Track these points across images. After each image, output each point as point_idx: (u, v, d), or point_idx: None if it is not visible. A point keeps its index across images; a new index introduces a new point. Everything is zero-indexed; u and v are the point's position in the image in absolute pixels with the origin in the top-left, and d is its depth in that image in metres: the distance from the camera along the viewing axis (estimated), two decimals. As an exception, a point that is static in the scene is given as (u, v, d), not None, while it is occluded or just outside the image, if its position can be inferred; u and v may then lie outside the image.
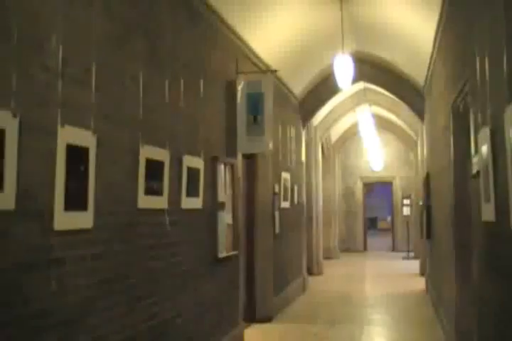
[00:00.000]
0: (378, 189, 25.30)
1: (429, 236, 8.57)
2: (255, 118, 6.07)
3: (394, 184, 18.41)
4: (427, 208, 8.51)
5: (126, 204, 3.62)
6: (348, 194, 18.55)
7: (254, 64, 7.05)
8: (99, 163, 3.19)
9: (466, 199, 5.17)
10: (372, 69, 9.34)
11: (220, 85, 5.76)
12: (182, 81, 4.60)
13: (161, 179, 4.11)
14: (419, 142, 12.05)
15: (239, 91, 6.13)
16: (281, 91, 8.73)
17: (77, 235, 3.01)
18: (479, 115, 3.57)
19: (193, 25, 5.03)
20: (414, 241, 15.34)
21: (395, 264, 14.58)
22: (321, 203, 13.03)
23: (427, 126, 9.03)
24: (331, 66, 7.96)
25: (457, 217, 5.32)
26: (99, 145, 3.18)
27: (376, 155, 17.58)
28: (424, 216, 8.84)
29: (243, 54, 6.60)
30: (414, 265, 12.94)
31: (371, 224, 28.35)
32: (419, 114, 9.55)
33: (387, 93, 10.31)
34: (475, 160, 3.80)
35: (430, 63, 7.42)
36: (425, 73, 8.16)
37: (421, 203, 10.03)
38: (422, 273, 11.45)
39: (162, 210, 4.16)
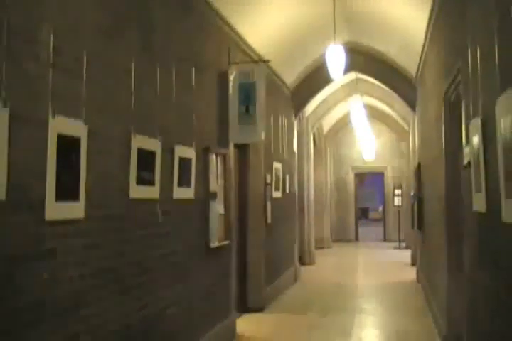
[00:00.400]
0: (370, 179, 25.37)
1: (420, 226, 8.62)
2: (247, 108, 6.06)
3: (385, 174, 18.46)
4: (419, 198, 8.55)
5: (118, 195, 3.61)
6: (339, 184, 18.60)
7: (247, 54, 7.03)
8: (90, 153, 3.18)
9: (457, 190, 5.21)
10: (365, 60, 9.34)
11: (212, 75, 5.75)
12: (174, 71, 4.58)
13: (152, 169, 4.10)
14: (410, 132, 12.08)
15: (231, 81, 6.11)
16: (274, 81, 8.71)
17: (68, 225, 3.01)
18: (471, 105, 3.59)
19: (186, 16, 5.00)
20: (405, 231, 15.43)
21: (387, 254, 14.66)
22: (312, 193, 13.04)
23: (419, 117, 9.06)
24: (323, 56, 7.94)
25: (448, 208, 5.35)
26: (90, 135, 3.17)
27: (368, 145, 17.60)
28: (415, 206, 8.89)
29: (235, 44, 6.59)
30: (406, 255, 13.03)
31: (363, 214, 28.45)
32: (411, 104, 9.58)
33: (379, 83, 10.31)
34: (466, 150, 3.81)
35: (422, 53, 7.43)
36: (417, 63, 8.17)
37: (412, 193, 10.07)
38: (413, 263, 11.53)
39: (154, 200, 4.16)
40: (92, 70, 3.25)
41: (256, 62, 6.78)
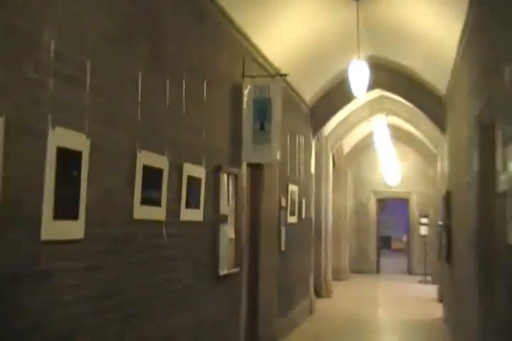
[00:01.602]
0: (393, 205, 25.21)
1: (448, 259, 8.49)
2: (262, 126, 6.08)
3: (410, 201, 18.33)
4: (447, 228, 8.45)
5: (121, 214, 3.60)
6: (360, 210, 18.49)
7: (262, 67, 7.06)
8: (92, 169, 3.18)
9: (490, 220, 5.10)
10: (390, 76, 9.34)
11: (225, 89, 5.77)
12: (184, 83, 4.60)
13: (159, 188, 4.10)
14: (439, 156, 12.02)
15: (245, 96, 6.14)
16: (291, 97, 8.74)
17: (66, 246, 2.99)
18: (507, 129, 3.54)
19: (199, 25, 5.05)
20: (431, 264, 15.22)
21: (411, 288, 14.48)
22: (330, 219, 12.98)
23: (449, 139, 8.99)
24: (345, 71, 7.96)
25: (480, 239, 5.23)
26: (93, 149, 3.17)
27: (392, 168, 17.55)
28: (443, 237, 8.78)
29: (251, 56, 6.62)
30: (432, 290, 12.84)
31: (385, 243, 28.18)
32: (440, 125, 9.52)
33: (405, 102, 10.30)
34: (502, 177, 3.75)
35: (453, 71, 7.40)
36: (447, 81, 8.14)
37: (440, 223, 9.96)
38: (440, 300, 11.32)
39: (159, 222, 4.15)
40: (96, 79, 3.27)
41: (272, 76, 6.80)
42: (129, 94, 3.72)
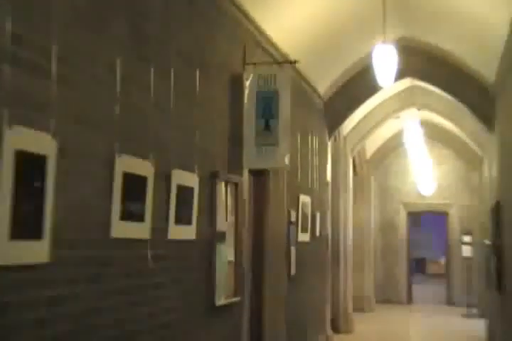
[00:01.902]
0: (428, 221, 25.16)
1: (499, 287, 8.40)
2: (267, 124, 6.11)
3: (449, 214, 18.29)
4: (497, 249, 8.37)
5: (96, 232, 3.60)
6: (387, 226, 18.46)
7: (268, 53, 7.07)
8: (60, 177, 3.16)
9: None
10: (423, 62, 9.34)
11: (223, 80, 5.77)
12: (172, 73, 4.61)
13: (142, 200, 4.10)
14: (485, 159, 11.99)
15: (246, 88, 6.16)
16: (302, 89, 8.74)
17: (26, 272, 2.97)
18: None
19: (190, 2, 5.05)
20: (478, 293, 15.14)
21: (452, 323, 14.40)
22: (350, 237, 12.96)
23: (499, 138, 8.90)
24: (368, 57, 7.95)
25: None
26: (61, 153, 3.16)
27: (426, 175, 17.50)
28: (492, 259, 8.72)
29: (253, 40, 6.63)
30: (479, 326, 12.65)
31: (418, 267, 28.14)
32: (487, 121, 9.46)
33: (442, 93, 10.27)
34: None
35: (504, 55, 7.35)
36: (496, 68, 8.11)
37: (488, 242, 9.92)
38: (491, 339, 11.20)
39: (143, 241, 4.14)
40: (64, 67, 3.26)
41: (280, 63, 6.81)
42: (104, 85, 3.71)
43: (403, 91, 12.42)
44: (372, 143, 16.27)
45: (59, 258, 3.18)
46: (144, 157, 4.15)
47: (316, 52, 8.20)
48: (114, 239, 3.74)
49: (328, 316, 10.37)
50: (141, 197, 4.09)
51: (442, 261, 24.08)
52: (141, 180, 4.10)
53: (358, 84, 9.74)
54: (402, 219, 18.61)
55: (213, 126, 5.54)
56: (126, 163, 3.88)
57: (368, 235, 15.91)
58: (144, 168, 4.13)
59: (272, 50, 7.17)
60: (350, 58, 9.24)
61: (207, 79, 5.31)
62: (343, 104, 10.14)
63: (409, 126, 13.93)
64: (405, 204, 18.55)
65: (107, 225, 3.69)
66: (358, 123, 13.10)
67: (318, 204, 9.64)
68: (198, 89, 5.12)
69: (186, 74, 4.92)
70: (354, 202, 14.11)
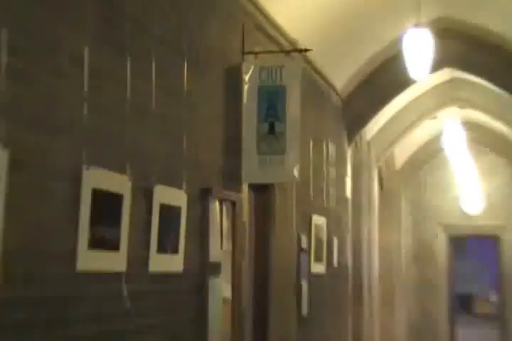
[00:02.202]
0: (474, 247, 25.10)
1: None
2: (272, 127, 6.12)
3: (502, 239, 18.18)
4: None
5: (58, 264, 3.56)
6: (422, 253, 18.35)
7: (272, 39, 7.08)
8: (13, 195, 3.14)
9: None
10: (467, 49, 9.33)
11: (216, 73, 5.79)
12: (155, 65, 4.60)
13: (117, 223, 4.09)
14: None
15: (246, 82, 6.17)
16: (315, 84, 8.76)
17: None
18: None
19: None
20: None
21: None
22: (376, 267, 12.94)
23: None
24: (396, 43, 7.94)
25: None
26: (14, 165, 3.13)
27: (472, 190, 17.42)
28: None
29: (254, 23, 6.64)
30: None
31: (463, 305, 27.97)
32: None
33: (491, 87, 10.24)
34: None
35: None
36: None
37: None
38: None
39: (118, 275, 4.12)
40: (16, 58, 3.23)
41: (287, 52, 6.79)
42: (69, 80, 3.69)
43: (441, 85, 12.39)
44: (403, 150, 16.19)
45: (10, 298, 3.15)
46: (119, 170, 4.13)
47: (333, 38, 8.22)
48: (80, 272, 3.71)
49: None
50: (115, 220, 4.08)
51: (494, 298, 23.89)
52: (116, 199, 4.09)
53: (385, 78, 9.76)
54: (441, 245, 18.45)
55: (205, 130, 5.54)
56: (97, 178, 3.87)
57: (398, 265, 15.83)
58: (119, 183, 4.13)
59: (277, 35, 7.17)
60: (374, 45, 9.25)
61: (197, 73, 5.31)
62: (366, 101, 10.15)
63: (449, 128, 13.89)
64: (445, 227, 18.39)
65: (71, 255, 3.66)
66: (385, 125, 13.05)
67: (335, 226, 9.64)
68: (186, 84, 5.12)
69: (171, 66, 4.94)
70: (380, 224, 14.08)
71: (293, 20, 7.28)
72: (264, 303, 7.48)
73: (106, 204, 3.97)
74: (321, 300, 8.75)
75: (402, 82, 9.48)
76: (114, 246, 4.07)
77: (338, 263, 9.79)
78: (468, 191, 17.48)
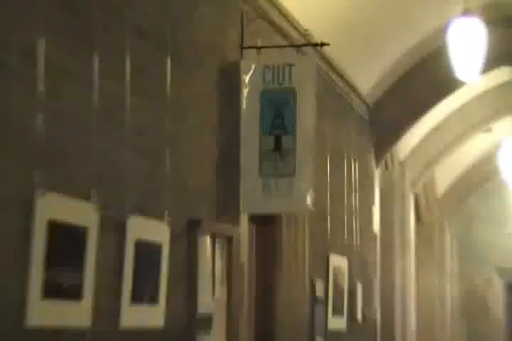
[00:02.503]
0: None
1: None
2: (279, 142, 6.15)
3: None
4: None
5: (3, 320, 3.54)
6: (472, 305, 18.31)
7: (279, 30, 7.12)
8: None
9: None
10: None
11: (209, 73, 5.82)
12: (129, 62, 4.62)
13: (79, 265, 4.07)
14: None
15: (246, 84, 6.20)
16: (333, 87, 8.81)
17: None
18: None
19: None
20: None
21: None
22: (413, 322, 12.90)
23: None
24: (438, 37, 7.96)
25: None
26: None
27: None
28: None
29: (256, 10, 6.67)
30: None
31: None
32: None
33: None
34: None
35: None
36: None
37: None
38: None
39: (80, 332, 4.09)
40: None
41: (299, 46, 6.81)
42: (17, 80, 3.69)
43: (496, 88, 12.39)
44: (447, 173, 16.17)
45: None
46: (83, 196, 4.13)
47: (357, 30, 8.26)
48: (32, 329, 3.69)
49: None
50: (77, 261, 4.07)
51: None
52: (78, 233, 4.08)
53: (423, 79, 9.80)
54: (497, 295, 18.42)
55: (194, 145, 5.57)
56: (54, 206, 3.87)
57: (441, 319, 15.79)
58: (83, 213, 4.13)
59: (285, 25, 7.20)
60: (409, 39, 9.26)
61: (184, 73, 5.36)
62: (400, 110, 10.17)
63: (507, 143, 13.88)
64: (502, 271, 18.37)
65: (20, 307, 3.64)
66: (423, 140, 13.06)
67: (359, 269, 9.63)
68: (169, 87, 5.14)
69: (151, 64, 4.96)
70: (418, 267, 14.05)
71: (306, 7, 7.31)
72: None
73: (65, 241, 3.96)
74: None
75: (446, 85, 9.49)
76: (76, 295, 4.05)
77: (363, 316, 9.76)
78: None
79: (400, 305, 12.31)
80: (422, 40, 9.25)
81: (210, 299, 5.65)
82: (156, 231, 4.92)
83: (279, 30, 7.08)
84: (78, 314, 4.09)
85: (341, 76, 8.93)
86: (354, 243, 9.44)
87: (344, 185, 9.08)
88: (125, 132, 4.59)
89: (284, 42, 7.03)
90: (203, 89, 5.74)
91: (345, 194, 9.13)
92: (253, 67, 6.20)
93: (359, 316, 9.55)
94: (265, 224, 7.32)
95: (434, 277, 15.95)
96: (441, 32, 7.17)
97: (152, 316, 4.87)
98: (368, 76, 9.52)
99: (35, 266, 3.73)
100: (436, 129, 13.09)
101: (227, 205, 6.01)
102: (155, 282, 4.89)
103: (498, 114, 13.12)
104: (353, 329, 9.24)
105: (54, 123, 3.90)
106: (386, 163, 11.32)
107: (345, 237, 9.12)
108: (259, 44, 6.40)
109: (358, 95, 9.64)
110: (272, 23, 6.95)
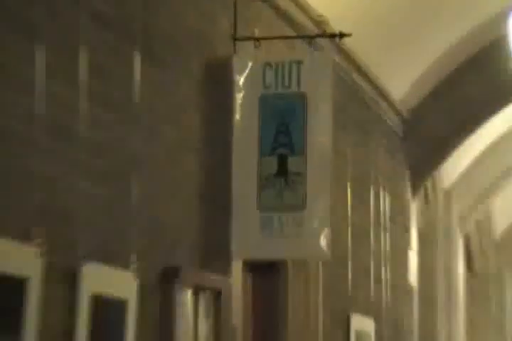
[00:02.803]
0: None
1: None
2: (284, 164, 6.17)
3: None
4: None
5: None
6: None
7: (285, 17, 7.16)
8: None
9: None
10: None
11: (191, 72, 5.86)
12: (85, 57, 4.60)
13: (15, 331, 4.03)
14: None
15: (240, 88, 6.23)
16: (357, 91, 8.86)
17: None
18: None
19: None
20: None
21: None
22: None
23: None
24: (491, 30, 7.97)
25: None
26: None
27: None
28: None
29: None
30: None
31: None
32: None
33: None
34: None
35: None
36: None
37: None
38: None
39: None
40: None
41: (311, 38, 6.79)
42: None
43: None
44: (508, 207, 16.24)
45: None
46: (22, 237, 4.08)
47: (387, 18, 8.24)
48: None
49: None
50: (13, 325, 4.03)
51: None
52: (15, 287, 4.05)
53: (475, 83, 9.77)
54: None
55: (171, 169, 5.58)
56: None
57: None
58: (22, 260, 4.09)
59: (293, 10, 7.23)
60: (457, 29, 9.27)
61: (158, 72, 5.39)
62: (444, 123, 10.18)
63: None
64: None
65: None
66: (476, 164, 13.08)
67: (391, 335, 9.64)
68: (138, 91, 5.12)
69: (114, 61, 4.95)
70: (470, 329, 14.08)
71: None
72: None
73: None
74: None
75: (506, 90, 9.47)
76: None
77: None
78: None
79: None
80: (474, 31, 9.27)
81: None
82: (119, 283, 4.90)
83: (283, 15, 7.10)
84: None
85: (367, 78, 8.93)
86: (383, 299, 9.43)
87: (370, 222, 9.08)
88: (77, 150, 4.55)
89: (291, 33, 7.02)
90: (184, 95, 5.75)
91: (372, 234, 9.13)
92: (250, 65, 6.22)
93: None
94: (265, 274, 7.31)
95: (491, 341, 16.05)
96: (499, 20, 7.16)
97: None
98: (402, 77, 9.54)
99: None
100: (493, 149, 13.11)
101: (215, 249, 6.03)
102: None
103: None
104: None
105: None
106: (426, 194, 11.33)
107: (372, 291, 9.10)
108: (258, 34, 6.37)
109: (389, 103, 9.65)
110: (274, 6, 6.95)
